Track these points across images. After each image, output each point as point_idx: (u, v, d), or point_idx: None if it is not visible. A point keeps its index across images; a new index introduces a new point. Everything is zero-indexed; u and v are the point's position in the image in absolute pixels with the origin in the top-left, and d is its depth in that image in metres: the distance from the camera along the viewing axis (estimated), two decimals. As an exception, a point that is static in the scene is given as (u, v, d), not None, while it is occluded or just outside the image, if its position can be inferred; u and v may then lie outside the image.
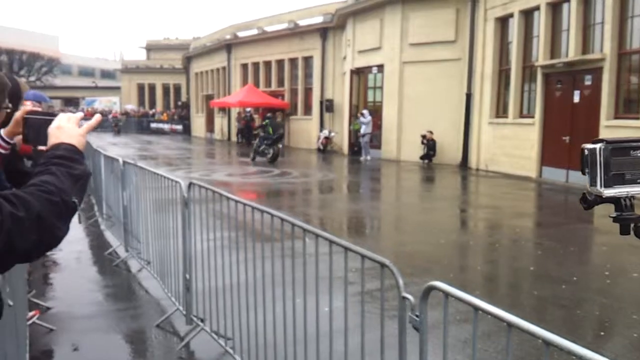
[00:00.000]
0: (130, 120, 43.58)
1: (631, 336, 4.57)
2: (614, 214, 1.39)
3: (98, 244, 7.46)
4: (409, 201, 12.52)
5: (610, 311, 5.22)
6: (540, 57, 15.25)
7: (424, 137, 19.29)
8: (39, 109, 2.43)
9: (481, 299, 1.94)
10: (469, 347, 4.05)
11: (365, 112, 21.48)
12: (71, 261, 6.46)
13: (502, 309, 1.84)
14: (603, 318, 5.03)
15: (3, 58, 45.84)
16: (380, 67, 21.50)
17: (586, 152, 1.37)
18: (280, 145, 20.18)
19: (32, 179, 1.33)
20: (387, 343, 2.40)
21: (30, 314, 4.42)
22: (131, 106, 47.10)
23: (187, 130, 40.91)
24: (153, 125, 42.58)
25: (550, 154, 14.98)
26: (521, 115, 16.35)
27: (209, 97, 36.34)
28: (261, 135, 20.27)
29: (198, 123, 39.81)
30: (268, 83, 30.84)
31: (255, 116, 30.70)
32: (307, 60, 27.92)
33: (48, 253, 5.56)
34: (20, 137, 2.40)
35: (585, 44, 14.07)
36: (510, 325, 1.76)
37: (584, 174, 1.38)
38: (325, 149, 24.39)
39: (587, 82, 13.97)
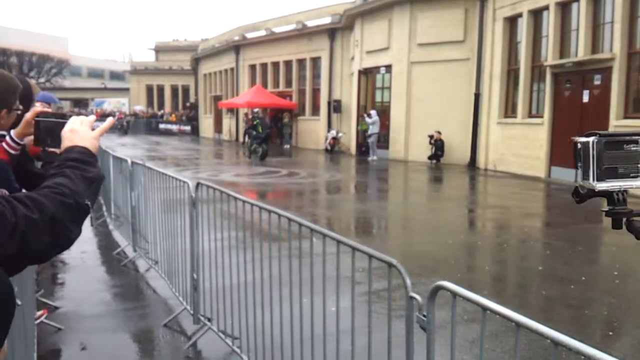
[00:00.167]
0: (139, 121, 43.78)
1: (641, 337, 4.54)
2: (606, 208, 1.38)
3: (106, 244, 7.49)
4: (416, 201, 12.50)
5: (619, 311, 5.19)
6: (550, 56, 15.18)
7: (431, 137, 19.25)
8: (49, 110, 2.44)
9: (489, 299, 1.93)
10: (476, 347, 4.04)
11: (372, 112, 21.46)
12: (79, 261, 6.49)
13: (510, 309, 1.83)
14: (611, 318, 5.00)
15: (13, 60, 46.16)
16: (388, 68, 21.47)
17: (579, 145, 1.36)
18: (269, 143, 21.59)
19: (46, 181, 1.33)
20: (394, 343, 2.39)
21: (39, 313, 4.44)
22: (140, 107, 47.30)
23: (195, 131, 41.03)
24: (161, 126, 42.76)
25: (559, 154, 14.90)
26: (530, 115, 16.28)
27: (217, 98, 36.44)
28: (253, 134, 21.51)
29: (206, 124, 39.92)
30: (276, 84, 30.88)
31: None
32: (315, 60, 27.94)
33: (57, 253, 5.58)
34: (30, 138, 2.42)
35: (595, 44, 13.99)
36: (518, 325, 1.75)
37: (576, 167, 1.37)
38: (333, 150, 24.38)
39: (597, 82, 13.89)
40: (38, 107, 2.71)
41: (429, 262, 6.69)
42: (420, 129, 19.78)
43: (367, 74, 23.01)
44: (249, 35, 32.59)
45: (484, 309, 1.89)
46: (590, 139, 1.34)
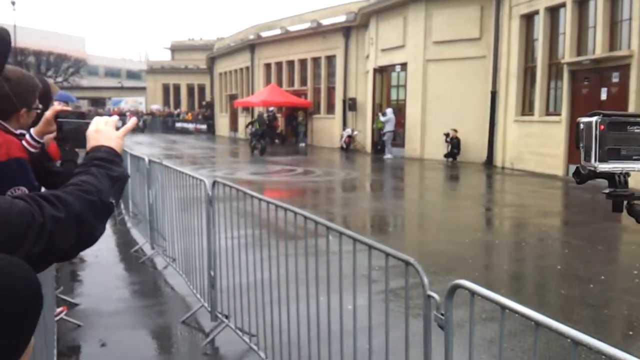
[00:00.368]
0: (156, 120, 44.07)
1: (661, 337, 4.48)
2: (607, 190, 1.35)
3: (124, 242, 7.56)
4: (432, 199, 12.45)
5: (639, 311, 5.13)
6: (567, 54, 15.02)
7: (447, 135, 19.14)
8: (68, 108, 2.47)
9: (507, 298, 1.92)
10: (494, 346, 4.01)
11: (388, 110, 21.42)
12: (98, 258, 6.55)
13: (528, 308, 1.82)
14: (632, 318, 4.94)
15: (31, 59, 46.66)
16: (404, 66, 21.39)
17: (582, 125, 1.34)
18: (267, 139, 23.13)
19: (71, 179, 1.35)
20: (411, 342, 2.38)
21: (58, 310, 4.49)
22: (156, 106, 47.63)
23: (211, 130, 41.22)
24: (178, 124, 43.00)
25: (577, 152, 14.69)
26: (547, 113, 16.13)
27: (232, 97, 36.56)
28: (252, 131, 22.76)
29: (222, 122, 40.07)
30: (291, 82, 30.91)
31: (278, 115, 30.81)
32: (330, 59, 27.91)
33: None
34: (49, 136, 2.45)
35: (613, 41, 13.82)
36: (538, 324, 1.73)
37: (577, 148, 1.35)
38: (348, 148, 24.36)
39: (615, 79, 13.72)
40: (57, 105, 2.74)
41: (445, 261, 6.66)
42: (436, 127, 19.69)
43: (382, 72, 22.94)
44: (264, 34, 32.66)
45: (503, 307, 1.88)
46: (594, 119, 1.31)
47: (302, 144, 28.63)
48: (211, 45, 44.41)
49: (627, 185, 1.34)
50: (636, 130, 1.31)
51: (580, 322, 4.68)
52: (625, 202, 1.35)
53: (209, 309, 4.48)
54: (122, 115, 2.39)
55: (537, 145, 16.07)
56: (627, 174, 1.34)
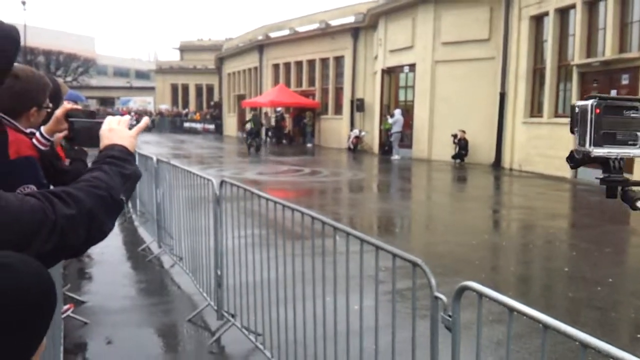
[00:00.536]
0: (164, 119, 44.24)
1: (670, 341, 4.45)
2: (601, 176, 1.33)
3: (132, 240, 7.59)
4: (439, 201, 12.42)
5: (648, 315, 5.09)
6: (576, 56, 14.95)
7: (455, 136, 19.09)
8: (79, 107, 2.49)
9: (515, 300, 1.91)
10: (501, 348, 4.00)
11: (396, 111, 21.42)
12: (105, 256, 6.58)
13: (535, 310, 1.81)
14: (639, 320, 4.92)
15: (40, 59, 46.95)
16: (412, 67, 21.36)
17: (577, 109, 1.30)
18: (262, 138, 24.76)
19: (83, 175, 1.36)
20: (418, 343, 2.38)
21: (65, 307, 4.51)
22: (165, 106, 47.82)
23: (219, 130, 41.32)
24: (186, 124, 43.15)
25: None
26: (556, 115, 16.06)
27: (240, 97, 36.63)
28: (247, 130, 23.77)
29: (230, 123, 40.15)
30: (299, 83, 30.94)
31: (286, 116, 30.84)
32: (338, 60, 27.91)
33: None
34: (59, 135, 2.47)
35: (623, 43, 13.75)
36: (546, 326, 1.72)
37: (572, 132, 1.33)
38: (356, 149, 24.34)
39: (624, 82, 13.64)
40: (67, 104, 2.76)
41: (452, 262, 6.64)
42: (444, 128, 19.64)
43: (391, 73, 22.92)
44: (273, 35, 32.71)
45: (511, 310, 1.87)
46: (589, 102, 1.28)
47: (310, 145, 28.64)
48: (220, 45, 44.53)
49: (621, 171, 1.31)
50: (632, 115, 1.28)
51: (588, 324, 4.65)
52: (619, 188, 1.32)
53: (215, 307, 4.49)
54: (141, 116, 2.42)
55: (546, 147, 16.00)
56: (621, 159, 1.30)
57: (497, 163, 18.19)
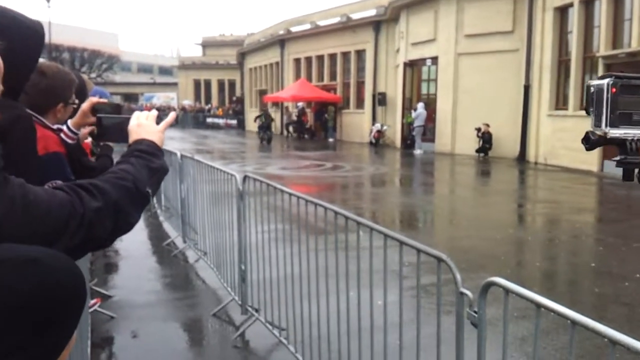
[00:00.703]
0: (187, 115, 44.62)
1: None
2: (618, 157, 1.28)
3: (157, 235, 7.67)
4: (463, 195, 12.32)
5: (678, 311, 4.99)
6: (602, 47, 14.68)
7: (478, 130, 18.91)
8: (105, 101, 2.52)
9: (541, 296, 1.89)
10: (526, 344, 3.96)
11: (419, 104, 21.29)
12: (131, 251, 6.66)
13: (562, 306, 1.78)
14: (670, 318, 4.82)
15: (65, 55, 47.57)
16: (435, 59, 21.18)
17: (592, 89, 1.25)
18: (272, 131, 26.52)
19: (111, 168, 1.38)
20: (442, 338, 2.36)
21: (92, 301, 4.57)
22: (188, 102, 48.19)
23: (241, 125, 41.50)
24: (209, 120, 43.44)
25: (612, 147, 14.39)
26: (582, 108, 15.74)
27: (262, 92, 36.74)
28: (258, 124, 25.88)
29: (252, 118, 40.21)
30: (320, 77, 30.90)
31: (308, 110, 30.83)
32: (360, 53, 27.80)
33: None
34: (85, 131, 2.50)
35: (650, 33, 13.46)
36: (574, 323, 1.70)
37: (587, 113, 1.28)
38: (378, 143, 24.25)
39: (652, 73, 13.36)
40: (94, 98, 2.79)
41: (476, 258, 6.58)
42: (468, 121, 19.46)
43: (413, 66, 22.76)
44: (294, 29, 32.69)
45: (538, 305, 1.85)
46: (605, 81, 1.23)
47: (331, 139, 28.62)
48: (241, 40, 44.69)
49: (639, 153, 1.27)
50: None
51: (615, 320, 4.57)
52: (636, 171, 1.28)
53: (240, 302, 4.52)
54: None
55: (571, 140, 15.72)
56: (639, 141, 1.26)
57: (522, 157, 17.97)
